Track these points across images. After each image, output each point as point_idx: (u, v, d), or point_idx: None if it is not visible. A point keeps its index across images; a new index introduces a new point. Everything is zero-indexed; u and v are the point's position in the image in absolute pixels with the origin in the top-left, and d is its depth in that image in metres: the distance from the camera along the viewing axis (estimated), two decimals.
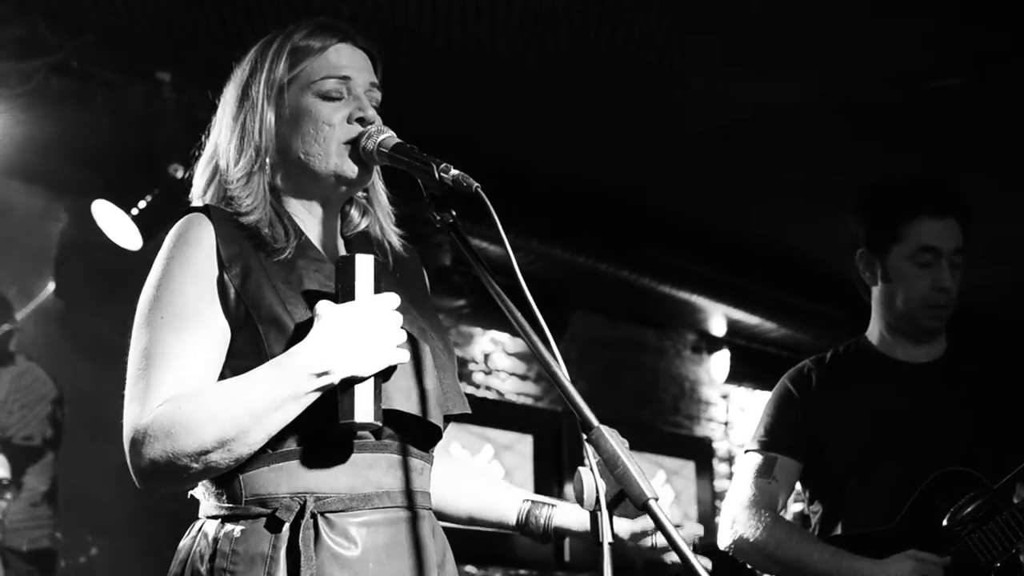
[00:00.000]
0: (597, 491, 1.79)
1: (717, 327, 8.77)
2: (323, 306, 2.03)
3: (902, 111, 5.78)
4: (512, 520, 2.44)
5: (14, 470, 4.91)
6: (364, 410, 2.01)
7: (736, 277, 7.97)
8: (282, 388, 1.99)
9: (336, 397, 2.02)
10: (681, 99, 5.73)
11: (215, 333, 2.11)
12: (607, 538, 1.77)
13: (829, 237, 6.51)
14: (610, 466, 1.77)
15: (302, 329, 2.05)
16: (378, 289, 2.07)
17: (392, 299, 2.07)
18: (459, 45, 5.11)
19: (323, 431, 2.06)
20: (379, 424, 2.04)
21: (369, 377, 2.02)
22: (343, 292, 2.06)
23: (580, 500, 1.80)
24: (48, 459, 5.61)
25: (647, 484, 1.75)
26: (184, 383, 2.05)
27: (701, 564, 1.67)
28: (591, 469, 1.80)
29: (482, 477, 2.53)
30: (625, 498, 1.78)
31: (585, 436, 1.82)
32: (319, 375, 1.99)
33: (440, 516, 2.41)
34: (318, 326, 2.02)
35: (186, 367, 2.06)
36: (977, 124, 5.91)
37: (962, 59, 5.27)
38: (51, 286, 5.80)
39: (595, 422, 1.82)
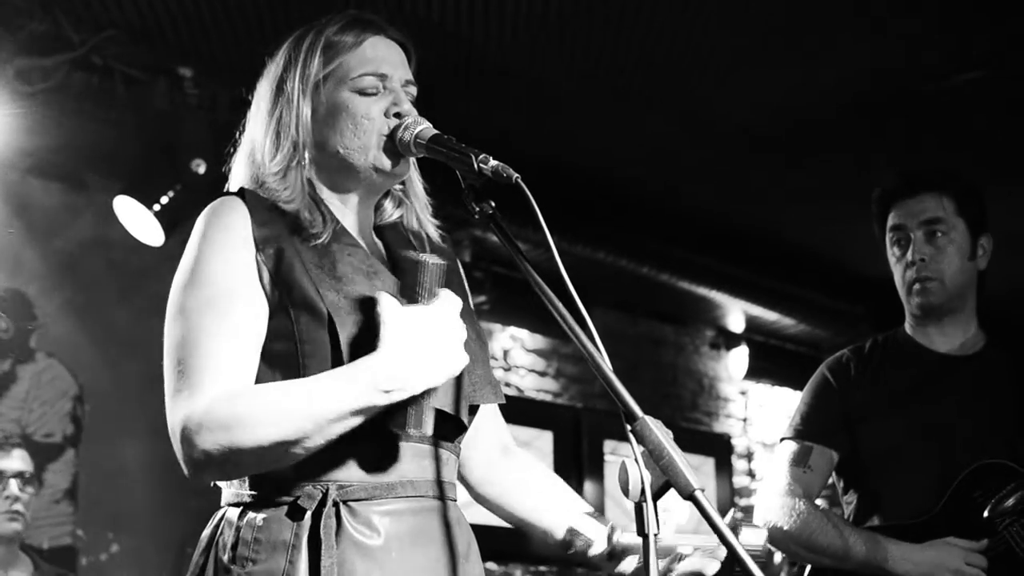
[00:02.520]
0: (642, 482, 1.77)
1: (735, 323, 8.76)
2: (389, 308, 2.00)
3: (923, 108, 5.76)
4: (557, 541, 2.43)
5: (35, 467, 4.91)
6: (417, 421, 2.01)
7: (754, 273, 7.96)
8: (351, 401, 1.95)
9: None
10: (701, 96, 5.72)
11: (255, 316, 2.09)
12: (652, 529, 1.75)
13: (848, 233, 6.51)
14: (655, 457, 1.76)
15: (334, 314, 2.05)
16: (431, 292, 2.06)
17: (456, 303, 2.06)
18: (480, 38, 5.11)
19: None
20: (429, 433, 2.05)
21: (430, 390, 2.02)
22: (410, 294, 2.04)
23: (625, 491, 1.78)
24: (69, 456, 5.62)
25: (693, 475, 1.74)
26: (233, 370, 2.03)
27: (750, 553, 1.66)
28: (636, 460, 1.79)
29: (551, 493, 2.49)
30: (670, 489, 1.76)
31: (629, 427, 1.81)
32: (389, 391, 1.96)
33: (497, 511, 2.44)
34: (388, 334, 1.98)
35: (232, 354, 2.04)
36: (1004, 118, 5.88)
37: (984, 52, 5.25)
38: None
39: (639, 413, 1.80)
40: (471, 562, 2.21)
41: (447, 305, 2.04)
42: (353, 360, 2.01)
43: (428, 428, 2.04)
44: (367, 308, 2.09)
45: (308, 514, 2.02)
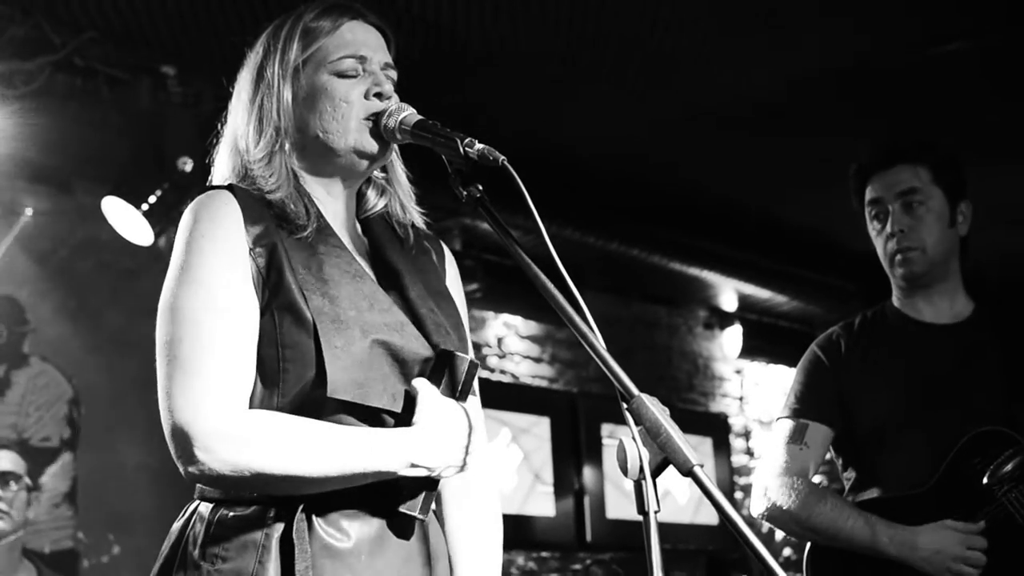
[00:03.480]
0: (641, 460, 1.77)
1: (728, 302, 8.77)
2: (427, 393, 2.10)
3: (909, 81, 5.75)
4: None
5: (33, 472, 4.90)
6: (425, 508, 2.11)
7: (745, 252, 7.97)
8: (379, 463, 2.01)
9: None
10: (691, 77, 5.71)
11: (251, 315, 2.08)
12: (652, 507, 1.75)
13: (838, 209, 6.49)
14: (653, 434, 1.76)
15: (318, 320, 2.04)
16: (467, 391, 2.15)
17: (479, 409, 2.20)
18: (461, 25, 5.10)
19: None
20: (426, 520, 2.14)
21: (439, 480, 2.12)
22: (446, 386, 2.13)
23: (624, 470, 1.78)
24: (67, 459, 5.61)
25: (691, 451, 1.74)
26: (235, 373, 2.02)
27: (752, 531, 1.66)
28: (633, 438, 1.79)
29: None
30: (669, 466, 1.76)
31: (625, 406, 1.81)
32: (416, 466, 2.04)
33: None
34: (425, 416, 2.07)
35: (233, 355, 2.03)
36: (993, 89, 5.88)
37: (975, 22, 5.24)
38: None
39: (635, 391, 1.80)
40: (442, 564, 2.21)
41: (476, 410, 2.18)
42: (334, 369, 2.02)
43: (427, 515, 2.13)
44: (352, 314, 2.09)
45: (279, 515, 2.03)
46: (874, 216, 3.51)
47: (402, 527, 2.11)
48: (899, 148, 3.52)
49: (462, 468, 2.12)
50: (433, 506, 2.15)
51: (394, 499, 2.08)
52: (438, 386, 2.11)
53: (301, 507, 2.02)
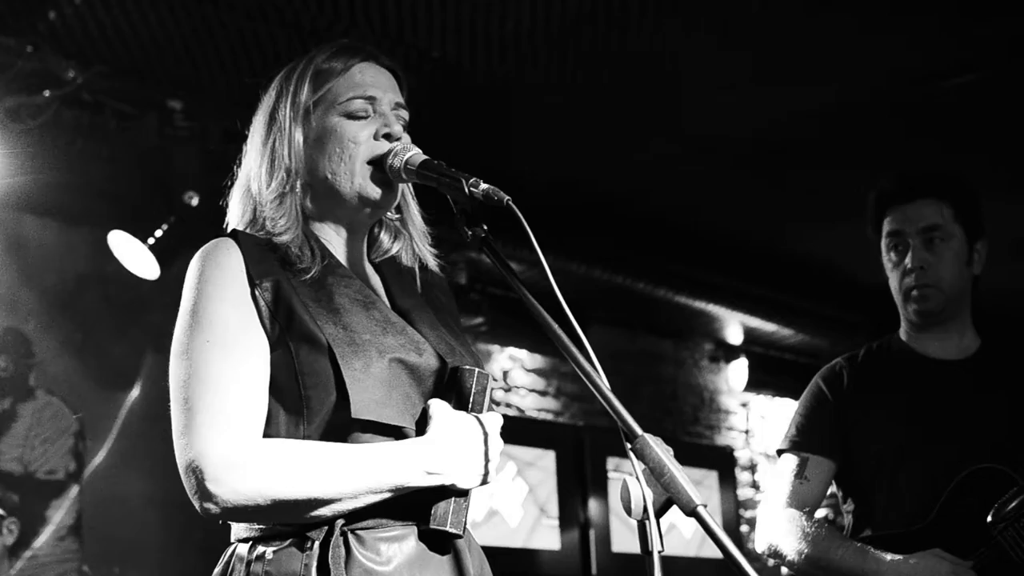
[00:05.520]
0: (644, 500, 1.78)
1: (734, 336, 8.77)
2: (439, 407, 2.11)
3: (915, 112, 5.76)
4: None
5: (38, 505, 4.89)
6: (456, 521, 2.09)
7: (751, 285, 7.97)
8: (394, 476, 2.03)
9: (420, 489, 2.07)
10: (691, 109, 5.72)
11: (260, 352, 2.10)
12: (656, 547, 1.75)
13: (843, 242, 6.51)
14: (657, 474, 1.76)
15: (334, 345, 2.06)
16: (483, 406, 2.16)
17: (499, 420, 2.17)
18: (468, 61, 5.12)
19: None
20: (462, 535, 2.11)
21: (468, 490, 2.10)
22: (458, 401, 2.14)
23: (628, 510, 1.78)
24: (72, 492, 5.60)
25: (695, 491, 1.74)
26: (246, 408, 2.05)
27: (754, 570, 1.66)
28: (637, 478, 1.79)
29: None
30: (672, 506, 1.77)
31: (629, 446, 1.81)
32: (431, 474, 2.04)
33: None
34: (437, 426, 2.08)
35: (243, 390, 2.06)
36: (996, 120, 5.88)
37: (977, 55, 5.25)
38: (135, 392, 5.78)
39: (639, 431, 1.81)
40: None
41: (493, 421, 2.15)
42: (356, 391, 2.03)
43: (459, 528, 2.10)
44: (367, 338, 2.11)
45: (316, 544, 2.03)
46: (891, 248, 3.47)
47: (441, 546, 2.12)
48: (923, 182, 3.47)
49: (484, 477, 2.11)
50: (468, 524, 2.15)
51: (428, 518, 2.09)
52: (452, 402, 2.13)
53: (337, 532, 2.03)
